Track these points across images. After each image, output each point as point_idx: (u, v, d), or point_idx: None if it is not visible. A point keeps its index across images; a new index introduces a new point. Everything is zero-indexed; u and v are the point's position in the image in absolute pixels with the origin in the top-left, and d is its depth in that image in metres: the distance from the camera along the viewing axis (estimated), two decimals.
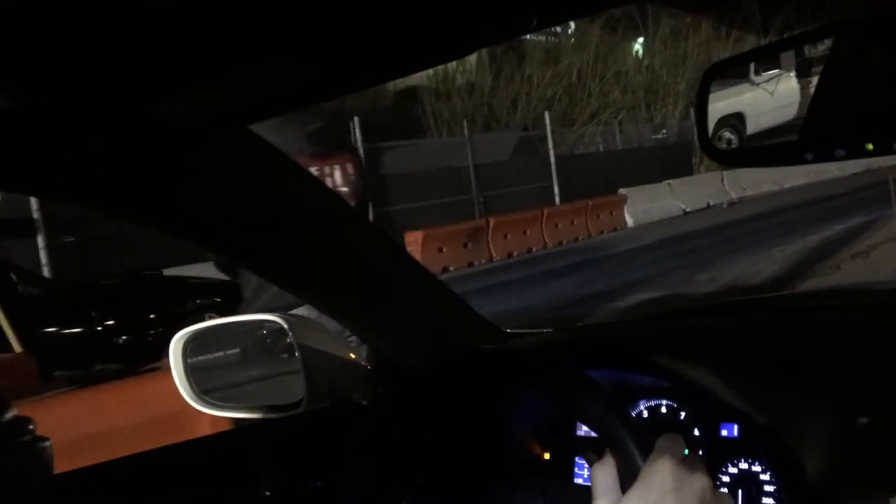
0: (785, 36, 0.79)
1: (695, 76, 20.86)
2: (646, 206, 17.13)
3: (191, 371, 1.27)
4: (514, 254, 14.14)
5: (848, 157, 0.65)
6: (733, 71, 0.80)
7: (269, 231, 0.99)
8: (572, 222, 15.67)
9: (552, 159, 17.79)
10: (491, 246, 13.96)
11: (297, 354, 1.19)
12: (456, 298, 1.24)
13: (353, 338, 1.56)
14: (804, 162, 0.68)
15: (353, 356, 1.27)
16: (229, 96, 0.75)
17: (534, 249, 14.47)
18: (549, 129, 17.96)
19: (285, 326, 1.21)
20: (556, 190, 17.65)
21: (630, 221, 16.77)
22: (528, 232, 14.67)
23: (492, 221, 14.14)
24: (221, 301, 7.12)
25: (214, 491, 1.13)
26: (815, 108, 0.69)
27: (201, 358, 1.31)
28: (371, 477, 0.95)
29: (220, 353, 1.39)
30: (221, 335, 1.38)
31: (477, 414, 1.22)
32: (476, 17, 0.61)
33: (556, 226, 15.27)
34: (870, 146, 0.62)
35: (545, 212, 15.13)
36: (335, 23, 0.59)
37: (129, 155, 0.81)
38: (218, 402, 1.27)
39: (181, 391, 1.26)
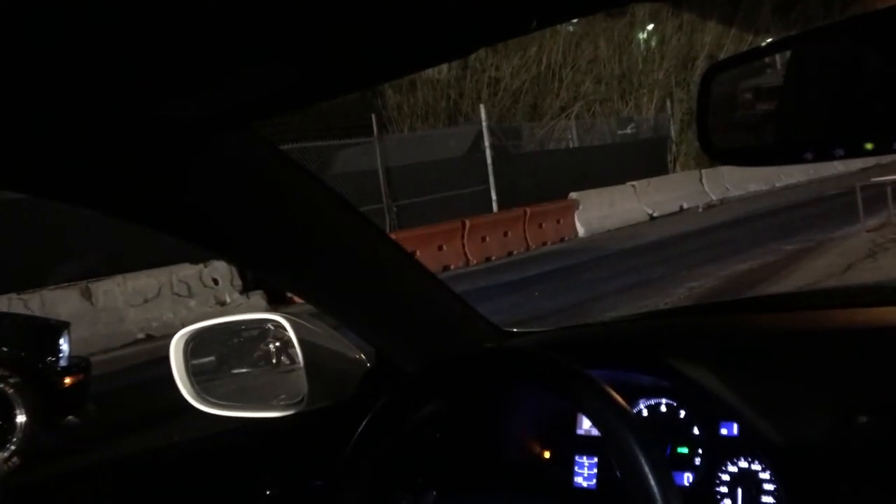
0: (785, 35, 0.79)
1: (674, 63, 19.48)
2: (603, 213, 14.64)
3: (192, 370, 1.27)
4: None
5: (847, 156, 0.65)
6: None
7: (270, 231, 0.99)
8: (505, 234, 13.01)
9: (488, 160, 14.69)
10: None
11: (298, 353, 1.19)
12: (457, 298, 1.24)
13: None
14: (804, 161, 0.68)
15: (354, 355, 1.27)
16: (230, 96, 0.75)
17: (452, 267, 12.03)
18: (484, 122, 14.95)
19: (287, 325, 1.21)
20: (494, 196, 14.66)
21: (582, 231, 14.25)
22: (444, 247, 12.12)
23: (392, 237, 11.46)
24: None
25: (214, 491, 1.13)
26: (814, 107, 0.69)
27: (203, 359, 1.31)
28: (371, 477, 0.96)
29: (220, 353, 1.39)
30: (223, 334, 1.38)
31: (477, 413, 1.22)
32: (476, 17, 0.61)
33: (484, 239, 12.65)
34: (869, 145, 0.62)
35: (467, 223, 12.51)
36: (335, 23, 0.59)
37: (130, 155, 0.81)
38: (219, 402, 1.27)
39: (182, 390, 1.26)
